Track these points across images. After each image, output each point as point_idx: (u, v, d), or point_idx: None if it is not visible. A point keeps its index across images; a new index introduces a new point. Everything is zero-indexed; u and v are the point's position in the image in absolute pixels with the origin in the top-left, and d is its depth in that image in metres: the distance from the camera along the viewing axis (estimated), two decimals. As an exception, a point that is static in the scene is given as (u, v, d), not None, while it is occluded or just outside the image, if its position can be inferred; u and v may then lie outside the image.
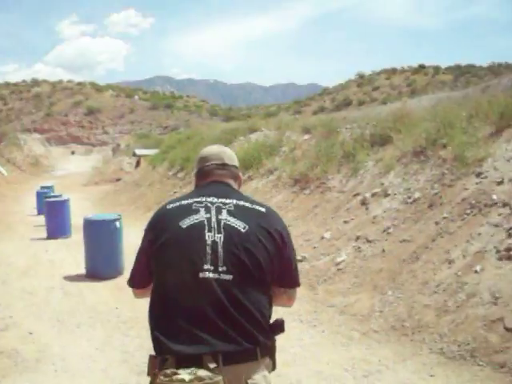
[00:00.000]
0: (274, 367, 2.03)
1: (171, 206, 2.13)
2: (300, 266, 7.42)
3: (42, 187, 20.44)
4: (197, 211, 2.03)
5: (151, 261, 2.06)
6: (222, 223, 2.00)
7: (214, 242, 1.95)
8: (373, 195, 8.01)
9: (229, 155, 2.29)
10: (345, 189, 8.95)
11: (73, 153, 51.90)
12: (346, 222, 7.95)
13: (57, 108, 58.35)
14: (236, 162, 2.31)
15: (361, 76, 60.08)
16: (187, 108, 64.68)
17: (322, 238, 7.93)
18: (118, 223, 8.27)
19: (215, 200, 2.08)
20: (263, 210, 2.11)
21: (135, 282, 2.24)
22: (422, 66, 59.35)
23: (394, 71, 58.93)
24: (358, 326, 5.55)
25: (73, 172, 36.90)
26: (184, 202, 2.10)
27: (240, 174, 2.33)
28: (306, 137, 12.54)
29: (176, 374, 1.73)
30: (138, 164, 30.48)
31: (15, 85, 67.85)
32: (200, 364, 1.77)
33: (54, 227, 12.09)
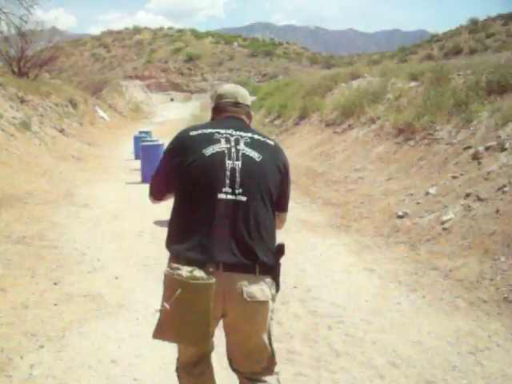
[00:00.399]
0: (277, 288, 2.38)
1: (194, 133, 2.40)
2: (400, 222, 6.90)
3: (140, 132, 20.74)
4: (218, 141, 2.35)
5: (175, 179, 2.36)
6: (240, 153, 2.33)
7: (233, 169, 2.27)
8: (487, 149, 7.19)
9: (242, 95, 2.61)
10: (454, 141, 8.15)
11: (172, 100, 52.74)
12: (454, 177, 7.22)
13: (157, 55, 59.27)
14: (249, 102, 2.64)
15: (474, 22, 55.58)
16: (287, 55, 63.52)
17: (427, 193, 7.28)
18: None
19: (234, 132, 2.40)
20: (273, 143, 2.50)
21: (155, 195, 2.62)
22: (544, 11, 54.17)
23: (511, 17, 54.15)
24: (464, 294, 4.95)
25: (171, 118, 37.43)
26: (206, 131, 2.40)
27: (251, 112, 2.66)
28: (413, 84, 11.71)
29: (178, 269, 2.11)
30: (234, 111, 30.40)
31: (118, 32, 69.64)
32: (203, 268, 2.13)
33: (149, 171, 12.06)
